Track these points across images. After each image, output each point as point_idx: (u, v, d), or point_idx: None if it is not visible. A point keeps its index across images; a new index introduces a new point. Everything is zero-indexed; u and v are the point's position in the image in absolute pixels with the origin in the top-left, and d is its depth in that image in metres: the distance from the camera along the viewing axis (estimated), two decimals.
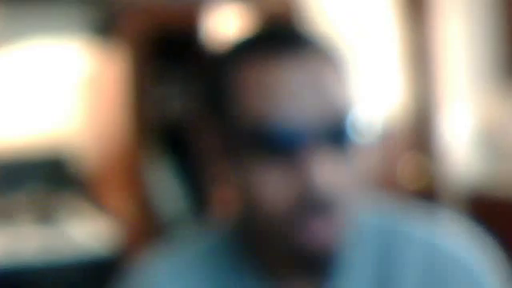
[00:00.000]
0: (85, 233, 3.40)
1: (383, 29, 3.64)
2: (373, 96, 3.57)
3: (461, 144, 3.67)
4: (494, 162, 3.68)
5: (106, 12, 3.69)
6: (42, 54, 3.96)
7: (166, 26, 3.46)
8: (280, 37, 0.90)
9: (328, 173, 0.84)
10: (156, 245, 1.03)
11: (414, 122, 3.66)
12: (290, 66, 0.86)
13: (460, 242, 0.94)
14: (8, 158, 3.82)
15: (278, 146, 0.85)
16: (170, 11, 3.47)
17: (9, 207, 3.66)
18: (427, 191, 3.62)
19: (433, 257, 0.92)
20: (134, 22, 3.42)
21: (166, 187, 3.60)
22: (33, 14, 3.88)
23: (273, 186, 0.85)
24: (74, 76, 3.99)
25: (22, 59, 3.94)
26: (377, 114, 3.55)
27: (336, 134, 0.86)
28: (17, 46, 3.93)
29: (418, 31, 3.65)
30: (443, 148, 3.64)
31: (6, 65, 3.92)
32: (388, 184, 3.57)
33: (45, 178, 3.84)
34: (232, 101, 0.88)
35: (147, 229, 3.43)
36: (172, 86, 3.66)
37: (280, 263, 0.90)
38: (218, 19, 3.46)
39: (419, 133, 3.67)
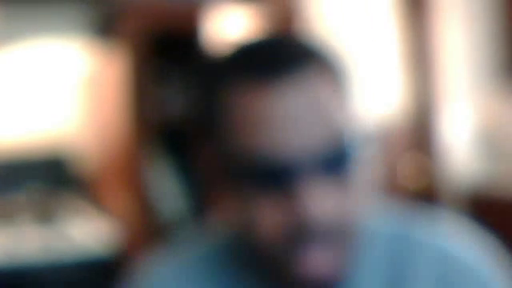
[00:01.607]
0: (85, 233, 3.40)
1: (383, 29, 3.64)
2: (373, 96, 3.57)
3: (461, 144, 3.67)
4: (494, 162, 3.67)
5: (106, 12, 3.69)
6: (42, 54, 3.96)
7: (165, 26, 3.46)
8: (275, 52, 0.82)
9: (323, 202, 0.80)
10: (158, 246, 1.02)
11: (413, 122, 3.66)
12: (283, 88, 0.79)
13: (471, 248, 0.93)
14: (8, 157, 3.82)
15: (270, 177, 0.80)
16: (170, 11, 3.47)
17: (9, 207, 3.66)
18: (427, 191, 3.62)
19: (445, 265, 0.90)
20: (134, 22, 3.42)
21: (165, 187, 3.60)
22: (33, 14, 3.88)
23: (266, 215, 0.81)
24: (74, 76, 3.99)
25: (22, 59, 3.94)
26: (374, 118, 3.55)
27: (334, 161, 0.80)
28: (17, 46, 3.93)
29: (418, 31, 3.64)
30: (443, 148, 3.63)
31: (6, 65, 3.92)
32: (388, 184, 3.57)
33: (45, 178, 3.84)
34: (222, 124, 0.82)
35: (147, 229, 3.43)
36: (172, 86, 3.65)
37: (281, 284, 0.87)
38: (217, 19, 3.46)
39: (419, 133, 3.67)
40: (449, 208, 3.57)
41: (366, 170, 0.85)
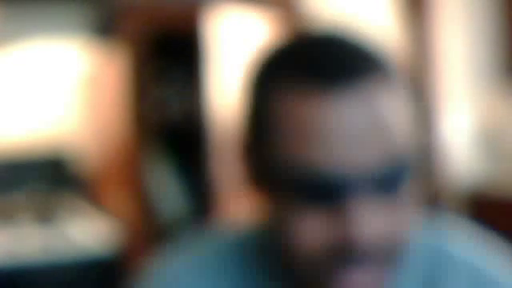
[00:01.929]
0: (85, 233, 3.39)
1: (383, 29, 3.64)
2: None
3: (461, 144, 3.67)
4: (494, 162, 3.67)
5: (106, 12, 3.69)
6: (41, 54, 3.96)
7: (165, 27, 3.46)
8: (333, 60, 0.74)
9: (373, 223, 0.74)
10: (160, 246, 1.01)
11: (413, 121, 3.66)
12: (339, 98, 0.72)
13: (499, 262, 0.91)
14: (8, 157, 3.82)
15: (320, 193, 0.74)
16: (170, 11, 3.47)
17: (9, 207, 3.65)
18: (427, 191, 3.62)
19: (477, 283, 0.88)
20: (134, 22, 3.42)
21: (165, 187, 3.59)
22: (33, 14, 3.88)
23: (310, 230, 0.75)
24: (73, 76, 3.99)
25: (22, 59, 3.94)
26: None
27: (390, 181, 0.75)
28: (17, 46, 3.93)
29: (418, 31, 3.64)
30: (443, 148, 3.63)
31: (6, 65, 3.92)
32: None
33: (45, 178, 3.84)
34: (270, 133, 0.76)
35: (147, 229, 3.43)
36: (172, 86, 3.65)
37: None
38: (217, 19, 3.45)
39: (419, 133, 3.67)
40: (449, 208, 3.57)
41: (415, 188, 0.80)
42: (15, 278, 3.25)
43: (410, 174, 0.77)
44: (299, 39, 0.79)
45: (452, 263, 0.88)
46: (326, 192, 0.74)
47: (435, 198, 3.62)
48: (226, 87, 3.38)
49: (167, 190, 3.59)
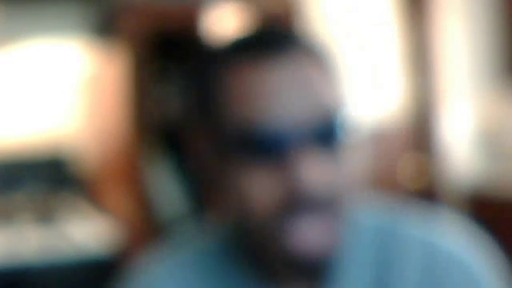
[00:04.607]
0: (85, 233, 3.40)
1: (383, 29, 3.64)
2: (372, 96, 3.57)
3: (461, 144, 3.67)
4: (494, 161, 3.67)
5: (105, 12, 3.70)
6: (42, 54, 3.96)
7: (165, 26, 3.46)
8: (267, 38, 0.90)
9: (315, 172, 0.84)
10: (155, 245, 1.03)
11: (413, 122, 3.66)
12: (276, 67, 0.87)
13: (459, 241, 0.94)
14: (8, 158, 3.82)
15: (265, 148, 0.85)
16: (169, 11, 3.47)
17: (9, 207, 3.66)
18: (427, 191, 3.62)
19: (432, 257, 0.91)
20: (133, 22, 3.42)
21: (165, 187, 3.59)
22: (33, 14, 3.88)
23: (260, 188, 0.85)
24: (73, 76, 3.99)
25: (22, 59, 3.94)
26: (369, 112, 3.55)
27: (324, 134, 0.86)
28: (17, 46, 3.93)
29: (418, 31, 3.65)
30: (443, 148, 3.63)
31: (6, 65, 3.92)
32: (388, 184, 3.57)
33: (45, 178, 3.84)
34: (218, 103, 0.88)
35: (147, 229, 3.43)
36: (172, 86, 3.65)
37: (277, 266, 0.89)
38: (217, 19, 3.46)
39: (419, 133, 3.67)
40: (449, 208, 3.57)
41: (356, 155, 0.89)
42: (15, 278, 3.25)
43: (343, 135, 0.88)
44: (245, 31, 0.94)
45: (407, 241, 0.93)
46: (268, 146, 0.85)
47: (435, 197, 3.63)
48: None
49: (167, 189, 3.59)
